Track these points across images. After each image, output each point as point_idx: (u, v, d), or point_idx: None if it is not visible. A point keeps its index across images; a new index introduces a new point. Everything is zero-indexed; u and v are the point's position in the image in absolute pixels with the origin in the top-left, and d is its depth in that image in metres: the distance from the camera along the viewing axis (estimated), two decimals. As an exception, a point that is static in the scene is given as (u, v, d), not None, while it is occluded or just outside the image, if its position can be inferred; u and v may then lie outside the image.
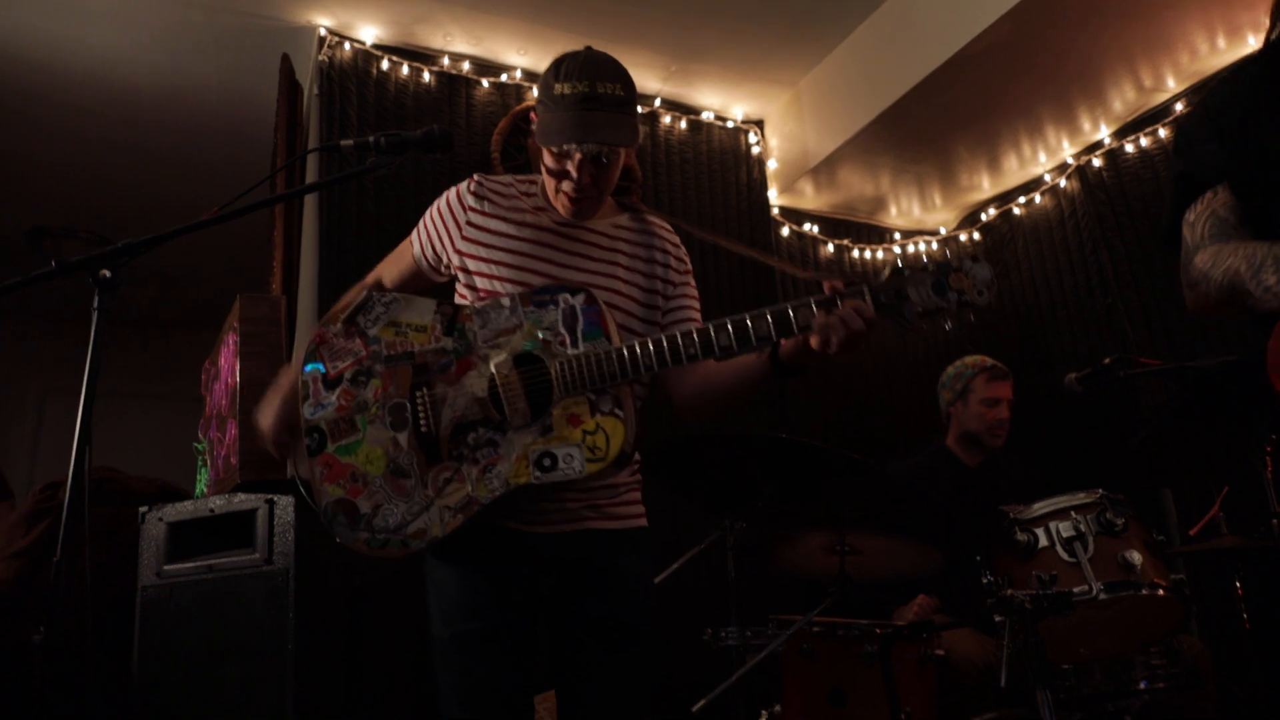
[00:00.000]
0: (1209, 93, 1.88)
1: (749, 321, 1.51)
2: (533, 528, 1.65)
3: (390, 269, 1.89)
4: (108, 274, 1.50)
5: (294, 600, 2.21)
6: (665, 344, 1.54)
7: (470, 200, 1.77)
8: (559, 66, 1.67)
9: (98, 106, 4.22)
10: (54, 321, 6.19)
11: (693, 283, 1.87)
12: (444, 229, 1.78)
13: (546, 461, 1.52)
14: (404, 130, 1.74)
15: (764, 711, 2.73)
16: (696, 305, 1.86)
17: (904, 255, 4.90)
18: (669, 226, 1.89)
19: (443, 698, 1.64)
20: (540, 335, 1.58)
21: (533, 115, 1.73)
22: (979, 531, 2.86)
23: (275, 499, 2.32)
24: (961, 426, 3.46)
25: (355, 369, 1.65)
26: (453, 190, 1.80)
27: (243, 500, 2.37)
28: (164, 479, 2.96)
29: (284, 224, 3.47)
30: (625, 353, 1.54)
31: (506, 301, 1.62)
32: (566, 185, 1.70)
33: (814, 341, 1.49)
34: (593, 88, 1.61)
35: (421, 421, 1.60)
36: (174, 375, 5.89)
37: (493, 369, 1.59)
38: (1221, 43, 3.61)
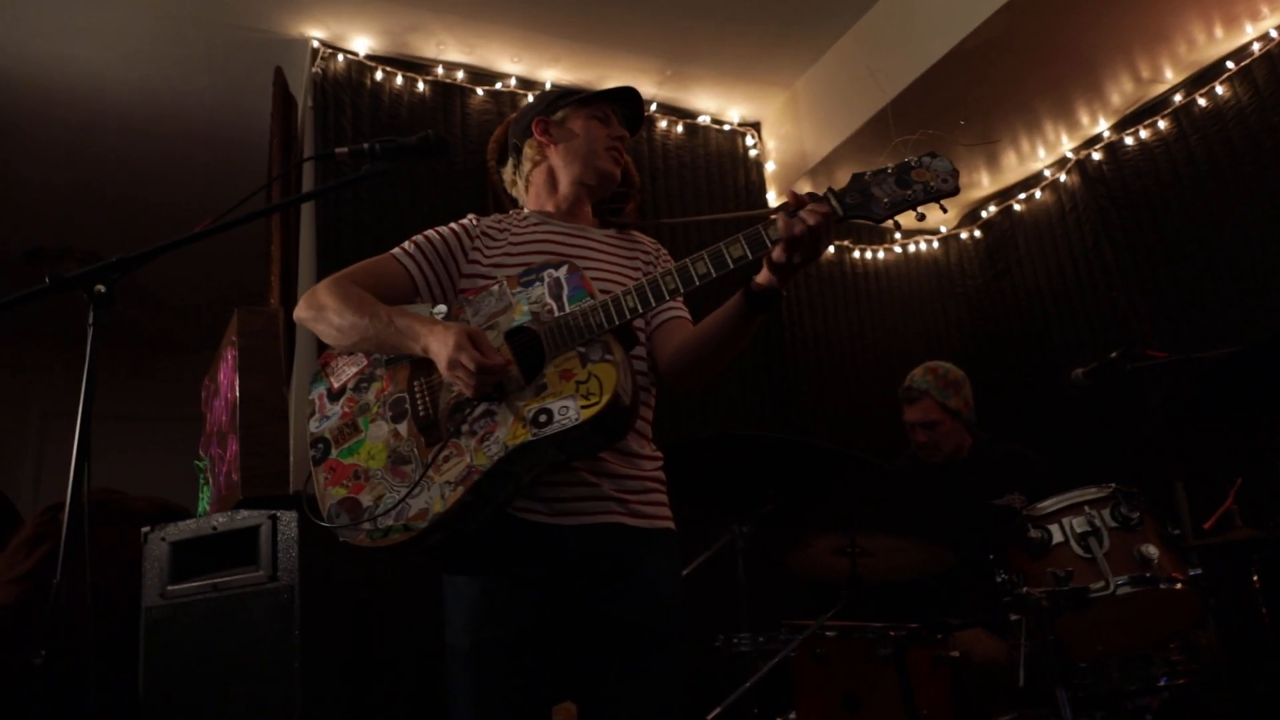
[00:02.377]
0: None
1: (724, 247, 1.55)
2: (558, 519, 1.61)
3: (369, 280, 1.80)
4: (103, 289, 1.48)
5: (300, 617, 2.17)
6: (645, 284, 1.58)
7: (476, 233, 1.84)
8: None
9: (91, 123, 4.20)
10: (52, 344, 6.17)
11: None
12: (457, 247, 1.81)
13: (542, 417, 1.50)
14: (399, 137, 1.72)
15: (778, 719, 2.69)
16: (682, 302, 1.88)
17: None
18: (654, 241, 1.99)
19: (455, 710, 1.59)
20: (529, 309, 1.61)
21: (536, 127, 1.91)
22: (972, 528, 2.84)
23: (279, 515, 2.28)
24: None
25: (358, 378, 1.69)
26: (456, 224, 1.85)
27: (245, 517, 2.33)
28: (166, 498, 2.92)
29: (280, 236, 3.45)
30: (609, 301, 1.57)
31: (495, 289, 1.66)
32: (612, 140, 1.89)
33: (776, 252, 1.52)
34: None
35: (420, 408, 1.61)
36: (173, 397, 5.86)
37: None
38: (1219, 32, 3.59)
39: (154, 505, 2.73)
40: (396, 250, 1.79)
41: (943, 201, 1.54)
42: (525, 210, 1.94)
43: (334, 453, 1.63)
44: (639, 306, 1.57)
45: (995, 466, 3.27)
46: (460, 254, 1.80)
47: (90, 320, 1.45)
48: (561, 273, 1.62)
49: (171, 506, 2.80)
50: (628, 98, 1.94)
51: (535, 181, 1.94)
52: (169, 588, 2.36)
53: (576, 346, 1.55)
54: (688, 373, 1.77)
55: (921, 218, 1.56)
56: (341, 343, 1.69)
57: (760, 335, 4.26)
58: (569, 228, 1.87)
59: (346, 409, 1.66)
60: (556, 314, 1.59)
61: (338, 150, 1.78)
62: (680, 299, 1.83)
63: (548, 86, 4.06)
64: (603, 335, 1.55)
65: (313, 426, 1.67)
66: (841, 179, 5.05)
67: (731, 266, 1.56)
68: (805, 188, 4.64)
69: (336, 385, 1.70)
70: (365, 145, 1.72)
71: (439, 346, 1.55)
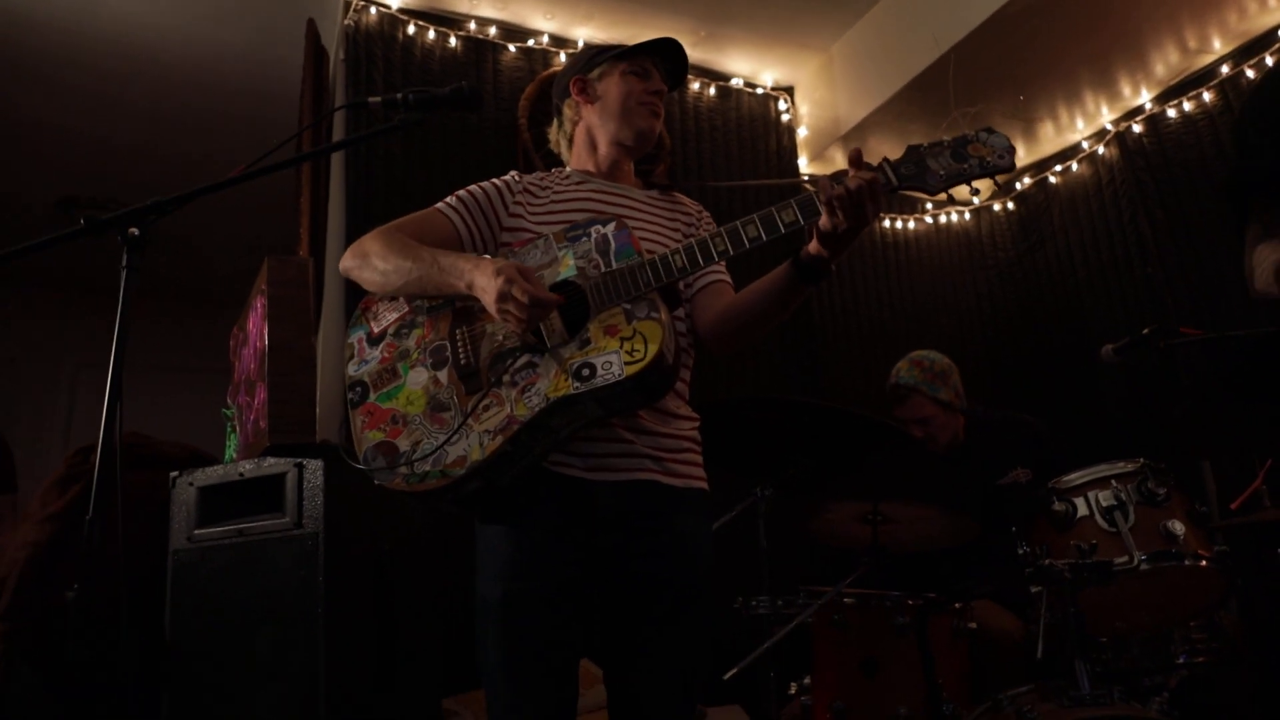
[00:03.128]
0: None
1: (775, 211, 1.54)
2: (593, 474, 1.61)
3: (414, 231, 1.82)
4: (136, 232, 1.49)
5: (324, 564, 2.18)
6: (695, 244, 1.57)
7: (518, 190, 1.83)
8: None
9: (122, 72, 4.20)
10: (85, 296, 6.23)
11: None
12: (499, 201, 1.81)
13: (585, 371, 1.49)
14: (433, 88, 1.72)
15: (794, 683, 2.71)
16: (724, 268, 1.86)
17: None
18: (697, 204, 1.95)
19: (484, 662, 1.60)
20: (575, 264, 1.59)
21: (574, 86, 1.90)
22: (988, 508, 2.82)
23: (305, 463, 2.29)
24: None
25: (399, 324, 1.68)
26: (499, 180, 1.86)
27: (272, 464, 2.35)
28: (195, 445, 2.95)
29: (310, 188, 3.44)
30: (657, 259, 1.56)
31: (541, 242, 1.65)
32: (650, 97, 1.84)
33: (822, 219, 1.50)
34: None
35: (461, 355, 1.61)
36: (203, 348, 5.91)
37: None
38: (1272, 1, 3.49)
39: (184, 451, 2.76)
40: (440, 204, 1.80)
41: (997, 178, 1.55)
42: (568, 169, 1.93)
43: (372, 396, 1.63)
44: (688, 266, 1.56)
45: (995, 442, 3.23)
46: (502, 208, 1.80)
47: (124, 263, 1.46)
48: (610, 229, 1.61)
49: (200, 453, 2.83)
50: (668, 50, 1.89)
51: (576, 141, 1.93)
52: (196, 532, 2.38)
53: (622, 303, 1.54)
54: (728, 338, 1.76)
55: (976, 192, 1.56)
56: (386, 288, 1.68)
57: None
58: (612, 187, 1.86)
59: (386, 354, 1.65)
60: (603, 269, 1.57)
61: (370, 99, 1.78)
62: (723, 263, 1.82)
63: (580, 44, 4.02)
64: (649, 293, 1.54)
65: (350, 370, 1.67)
66: (874, 146, 4.99)
67: (783, 231, 1.55)
68: (837, 154, 4.61)
69: (376, 330, 1.69)
70: (399, 95, 1.72)
71: (486, 280, 1.53)
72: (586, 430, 1.59)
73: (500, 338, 1.59)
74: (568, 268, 1.59)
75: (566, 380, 1.49)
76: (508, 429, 1.51)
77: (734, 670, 2.33)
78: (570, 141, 1.94)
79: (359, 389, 1.65)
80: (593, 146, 1.90)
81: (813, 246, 1.57)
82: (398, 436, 1.58)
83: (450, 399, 1.58)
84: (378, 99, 1.76)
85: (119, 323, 1.45)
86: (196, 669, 2.28)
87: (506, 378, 1.55)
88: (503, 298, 1.50)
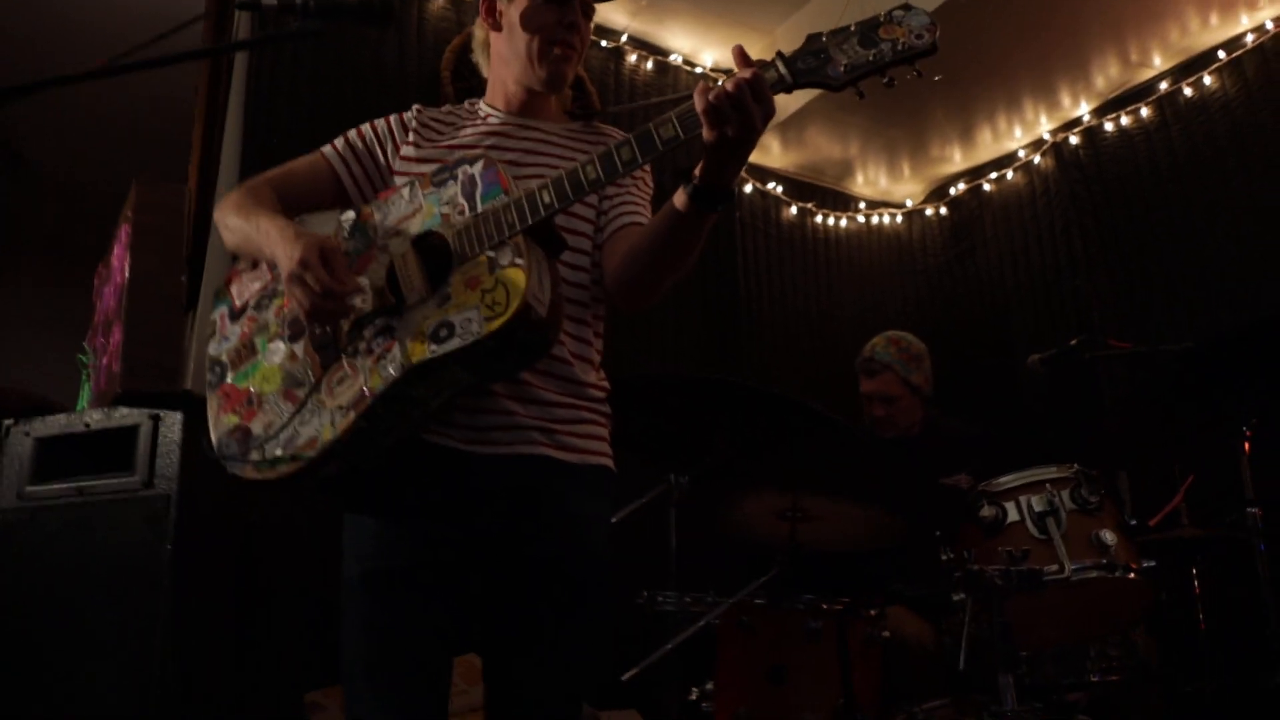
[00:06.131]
0: None
1: (653, 128, 1.33)
2: (474, 447, 1.44)
3: (286, 181, 1.64)
4: None
5: (174, 530, 1.94)
6: (564, 175, 1.36)
7: (411, 126, 1.65)
8: None
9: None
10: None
11: (644, 187, 1.68)
12: (388, 139, 1.64)
13: (443, 332, 1.30)
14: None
15: (695, 689, 2.53)
16: (644, 205, 1.65)
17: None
18: (625, 134, 1.68)
19: (343, 652, 1.44)
20: (439, 211, 1.40)
21: (482, 4, 1.66)
22: (919, 507, 2.71)
23: (161, 415, 2.04)
24: None
25: (260, 294, 1.53)
26: (394, 115, 1.68)
27: (124, 415, 2.09)
28: (44, 395, 2.62)
29: (204, 126, 3.13)
30: (523, 197, 1.35)
31: (406, 190, 1.46)
32: (562, 33, 1.59)
33: (705, 131, 1.28)
34: None
35: (316, 326, 1.42)
36: (79, 302, 5.47)
37: (390, 255, 1.41)
38: (1214, 19, 3.50)
39: (24, 399, 2.44)
40: (326, 147, 1.64)
41: (918, 64, 1.28)
42: (479, 102, 1.71)
43: (229, 377, 1.49)
44: (554, 201, 1.34)
45: (946, 445, 3.14)
46: (390, 149, 1.62)
47: None
48: (477, 169, 1.40)
49: (49, 402, 2.51)
50: None
51: (490, 68, 1.71)
52: (27, 488, 2.11)
53: (486, 250, 1.34)
54: (628, 287, 1.55)
55: (890, 84, 1.30)
56: (231, 244, 1.57)
57: (713, 287, 4.15)
58: (522, 120, 1.65)
59: (246, 328, 1.52)
60: (467, 214, 1.37)
61: (265, 1, 1.55)
62: (639, 203, 1.62)
63: None
64: (514, 236, 1.33)
65: (211, 349, 1.54)
66: (810, 138, 4.85)
67: (660, 149, 1.33)
68: (774, 143, 4.49)
69: (239, 304, 1.55)
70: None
71: (283, 255, 1.39)
72: (463, 399, 1.42)
73: (358, 302, 1.40)
74: (431, 216, 1.41)
75: (424, 343, 1.32)
76: (360, 403, 1.34)
77: (634, 671, 2.14)
78: (489, 60, 1.72)
79: (218, 369, 1.52)
80: (503, 80, 1.68)
81: (700, 165, 1.36)
82: (252, 419, 1.44)
83: (305, 374, 1.42)
84: (274, 1, 1.53)
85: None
86: (17, 646, 2.01)
87: (362, 345, 1.38)
88: (294, 279, 1.35)
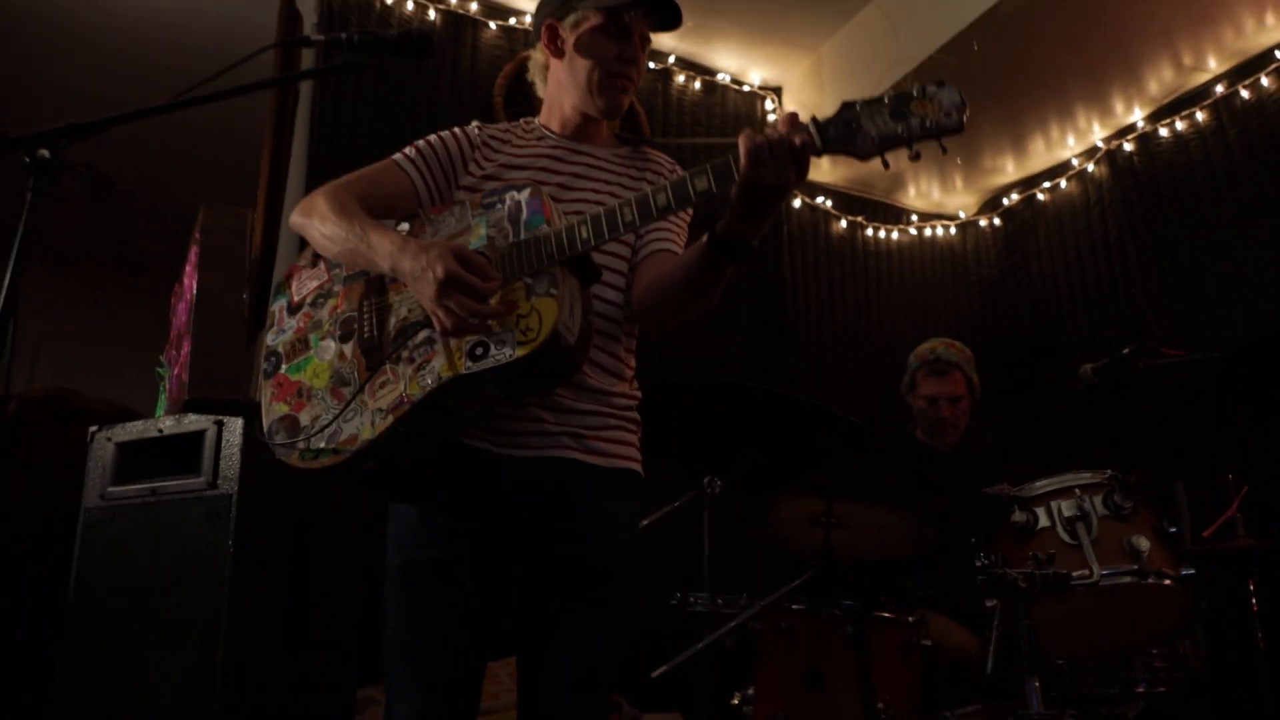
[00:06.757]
0: None
1: (689, 177, 1.41)
2: (506, 450, 1.53)
3: (366, 188, 1.69)
4: (46, 154, 1.46)
5: (235, 527, 2.08)
6: (602, 215, 1.44)
7: (477, 143, 1.72)
8: None
9: (93, 25, 4.08)
10: (50, 264, 6.10)
11: (681, 215, 1.73)
12: (458, 153, 1.70)
13: (479, 350, 1.40)
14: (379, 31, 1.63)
15: (737, 693, 2.58)
16: (678, 233, 1.72)
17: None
18: (672, 161, 1.80)
19: (385, 640, 1.52)
20: (486, 233, 1.50)
21: (545, 32, 1.72)
22: (960, 517, 2.70)
23: (225, 421, 2.18)
24: (916, 419, 3.24)
25: (317, 293, 1.63)
26: (458, 129, 1.74)
27: (192, 421, 2.24)
28: (127, 404, 2.83)
29: (270, 163, 3.33)
30: (563, 230, 1.43)
31: (457, 209, 1.56)
32: (621, 66, 1.66)
33: (740, 177, 1.33)
34: None
35: (366, 329, 1.53)
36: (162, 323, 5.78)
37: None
38: (1270, 19, 3.42)
39: (111, 409, 2.64)
40: (398, 155, 1.68)
41: (943, 140, 1.31)
42: (535, 121, 1.78)
43: (284, 368, 1.59)
44: (591, 238, 1.43)
45: (986, 455, 3.12)
46: (461, 163, 1.68)
47: (30, 185, 1.44)
48: (524, 196, 1.49)
49: (131, 411, 2.71)
50: (653, 1, 1.66)
51: (547, 90, 1.79)
52: (109, 489, 2.28)
53: (524, 277, 1.43)
54: (652, 313, 1.63)
55: (916, 156, 1.34)
56: (329, 252, 1.59)
57: (761, 297, 4.19)
58: (573, 145, 1.73)
59: (301, 323, 1.61)
60: (511, 240, 1.47)
61: (313, 37, 1.71)
62: (674, 230, 1.70)
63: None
64: (551, 267, 1.42)
65: (269, 339, 1.64)
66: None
67: (693, 199, 1.41)
68: (823, 159, 4.51)
69: (296, 299, 1.64)
70: (343, 35, 1.63)
71: (412, 266, 1.41)
72: (496, 409, 1.51)
73: (405, 311, 1.51)
74: (478, 237, 1.50)
75: (460, 359, 1.41)
76: (399, 408, 1.44)
77: (663, 669, 2.19)
78: (545, 82, 1.79)
79: (274, 359, 1.61)
80: (559, 104, 1.76)
81: (725, 219, 1.43)
82: (301, 410, 1.53)
83: (352, 374, 1.52)
84: (321, 37, 1.70)
85: (19, 241, 1.48)
86: (96, 632, 2.18)
87: (405, 353, 1.48)
88: (442, 295, 1.38)
